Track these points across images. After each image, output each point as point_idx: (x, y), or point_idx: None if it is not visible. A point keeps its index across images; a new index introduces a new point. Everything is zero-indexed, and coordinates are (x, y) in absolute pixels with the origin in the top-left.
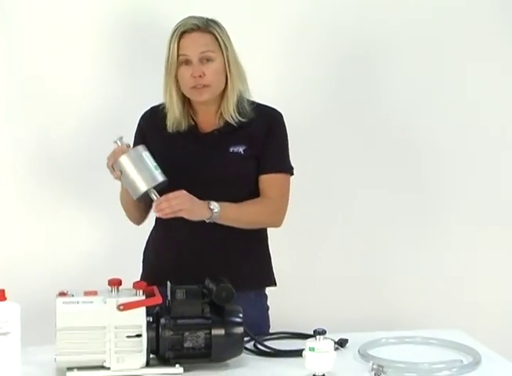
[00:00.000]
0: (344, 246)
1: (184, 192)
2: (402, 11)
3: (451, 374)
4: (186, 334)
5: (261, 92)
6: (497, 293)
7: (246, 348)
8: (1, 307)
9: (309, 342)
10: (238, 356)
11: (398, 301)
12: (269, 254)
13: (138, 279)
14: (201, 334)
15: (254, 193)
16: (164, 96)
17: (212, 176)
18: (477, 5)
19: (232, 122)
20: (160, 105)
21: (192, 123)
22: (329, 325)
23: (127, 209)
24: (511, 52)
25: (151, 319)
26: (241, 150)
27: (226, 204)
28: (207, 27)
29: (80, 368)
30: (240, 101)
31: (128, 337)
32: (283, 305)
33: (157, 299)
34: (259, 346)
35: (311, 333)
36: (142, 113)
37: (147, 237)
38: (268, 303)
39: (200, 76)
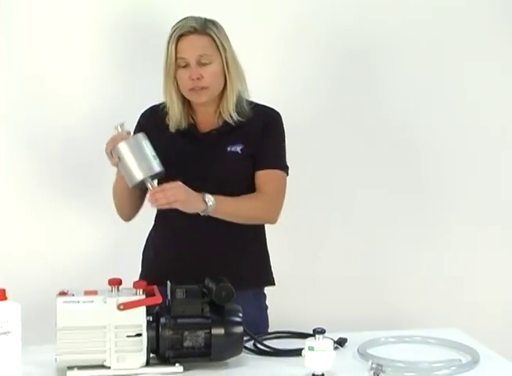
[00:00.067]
0: (343, 245)
1: (180, 183)
2: (402, 11)
3: (450, 373)
4: (186, 333)
5: (260, 91)
6: (496, 293)
7: (246, 348)
8: (2, 307)
9: (309, 341)
10: (238, 356)
11: (398, 301)
12: (268, 253)
13: (137, 278)
14: (201, 333)
15: (251, 192)
16: (165, 97)
17: (210, 176)
18: (477, 5)
19: (231, 122)
20: (160, 104)
21: (192, 123)
22: (329, 324)
23: (119, 200)
24: (511, 52)
25: (151, 319)
26: (238, 149)
27: (222, 198)
28: (204, 29)
29: (80, 367)
30: (239, 101)
31: (128, 336)
32: (282, 304)
33: (157, 299)
34: (259, 345)
35: (311, 332)
36: (142, 111)
37: (146, 237)
38: (268, 303)
39: (198, 78)
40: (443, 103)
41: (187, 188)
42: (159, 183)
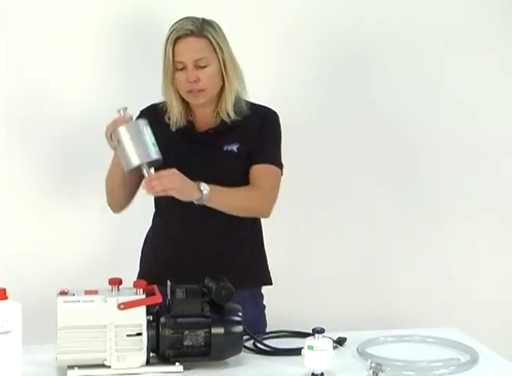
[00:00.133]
0: (342, 245)
1: (176, 171)
2: (399, 11)
3: (448, 372)
4: (186, 332)
5: (258, 91)
6: (495, 292)
7: (246, 347)
8: (3, 306)
9: (308, 341)
10: (237, 355)
11: (397, 300)
12: (265, 253)
13: (135, 277)
14: (201, 332)
15: None
16: (164, 97)
17: (206, 175)
18: (475, 6)
19: (228, 121)
20: (159, 103)
21: (190, 122)
22: (328, 324)
23: (111, 187)
24: (509, 52)
25: (151, 318)
26: (235, 148)
27: (217, 187)
28: (201, 31)
29: (81, 366)
30: (237, 101)
31: (129, 335)
32: (282, 304)
33: (157, 298)
34: (258, 345)
35: (310, 332)
36: (142, 108)
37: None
38: (266, 302)
39: (195, 81)
40: (440, 103)
41: (183, 176)
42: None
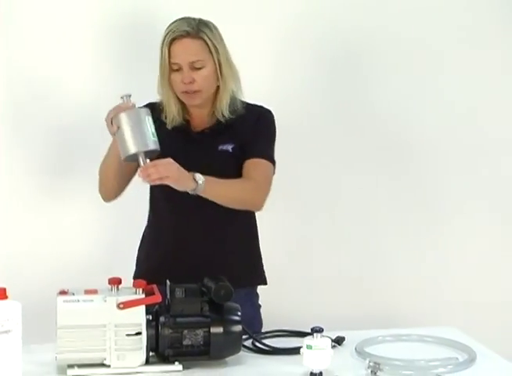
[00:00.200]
0: (341, 245)
1: (171, 160)
2: (397, 11)
3: (446, 371)
4: (185, 332)
5: (254, 91)
6: (493, 292)
7: (245, 346)
8: (3, 305)
9: (307, 340)
10: (236, 354)
11: (395, 300)
12: (260, 253)
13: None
14: (200, 332)
15: None
16: (161, 96)
17: (201, 174)
18: (475, 6)
19: (223, 120)
20: (156, 102)
21: (187, 121)
22: (326, 323)
23: (105, 173)
24: (510, 52)
25: (150, 318)
26: (229, 148)
27: (212, 178)
28: (197, 32)
29: (80, 366)
30: (233, 101)
31: (128, 335)
32: (281, 303)
33: (157, 298)
34: (257, 344)
35: (309, 331)
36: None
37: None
38: (266, 302)
39: (191, 82)
40: (440, 103)
41: (178, 165)
42: None
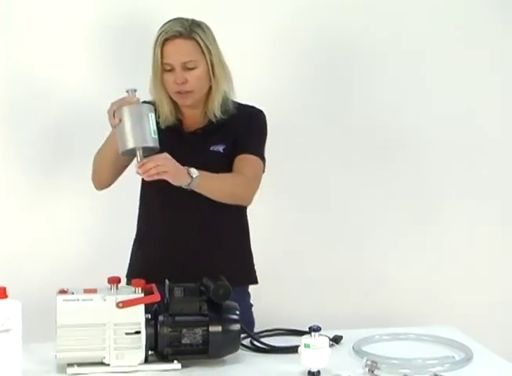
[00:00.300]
0: (338, 245)
1: (168, 155)
2: (390, 11)
3: (443, 370)
4: (184, 330)
5: (247, 91)
6: (491, 292)
7: (243, 345)
8: (3, 305)
9: (305, 339)
10: (235, 353)
11: (392, 299)
12: (251, 252)
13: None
14: (199, 330)
15: None
16: (154, 96)
17: None
18: (475, 5)
19: (214, 120)
20: (151, 101)
21: (179, 121)
22: (324, 322)
23: (100, 161)
24: (510, 52)
25: (150, 317)
26: (221, 149)
27: (205, 173)
28: (190, 33)
29: (80, 364)
30: (225, 101)
31: (127, 334)
32: (278, 302)
33: (156, 297)
34: (255, 343)
35: (307, 330)
36: None
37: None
38: (263, 301)
39: (183, 82)
40: (440, 103)
41: (175, 161)
42: None
